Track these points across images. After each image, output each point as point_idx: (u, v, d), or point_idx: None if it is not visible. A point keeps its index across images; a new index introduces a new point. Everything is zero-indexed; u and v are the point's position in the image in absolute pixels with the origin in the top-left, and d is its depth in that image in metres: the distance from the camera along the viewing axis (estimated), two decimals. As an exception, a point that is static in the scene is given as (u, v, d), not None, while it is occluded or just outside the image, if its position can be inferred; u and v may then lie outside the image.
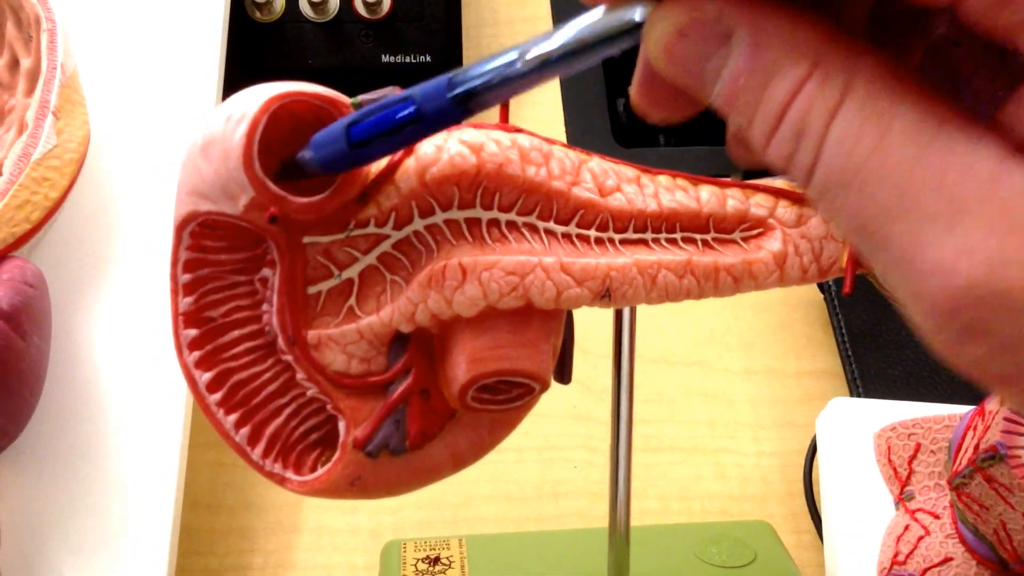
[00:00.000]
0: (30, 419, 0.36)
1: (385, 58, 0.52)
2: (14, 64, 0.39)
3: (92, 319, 0.38)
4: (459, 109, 0.18)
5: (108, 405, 0.37)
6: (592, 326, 0.48)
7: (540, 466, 0.45)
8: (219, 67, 0.43)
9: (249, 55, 0.52)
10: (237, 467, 0.44)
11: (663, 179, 0.24)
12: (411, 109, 0.19)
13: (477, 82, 0.18)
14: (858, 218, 0.14)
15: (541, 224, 0.23)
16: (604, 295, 0.23)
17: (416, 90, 0.19)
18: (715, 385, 0.48)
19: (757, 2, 0.15)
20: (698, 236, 0.24)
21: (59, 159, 0.37)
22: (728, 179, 0.25)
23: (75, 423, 0.37)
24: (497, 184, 0.22)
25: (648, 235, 0.24)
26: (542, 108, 0.57)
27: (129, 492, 0.36)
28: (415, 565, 0.39)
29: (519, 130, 0.23)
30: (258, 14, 0.52)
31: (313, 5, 0.52)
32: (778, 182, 0.25)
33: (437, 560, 0.39)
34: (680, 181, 0.25)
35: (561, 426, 0.47)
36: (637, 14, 0.16)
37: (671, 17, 0.16)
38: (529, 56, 0.18)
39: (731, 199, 0.24)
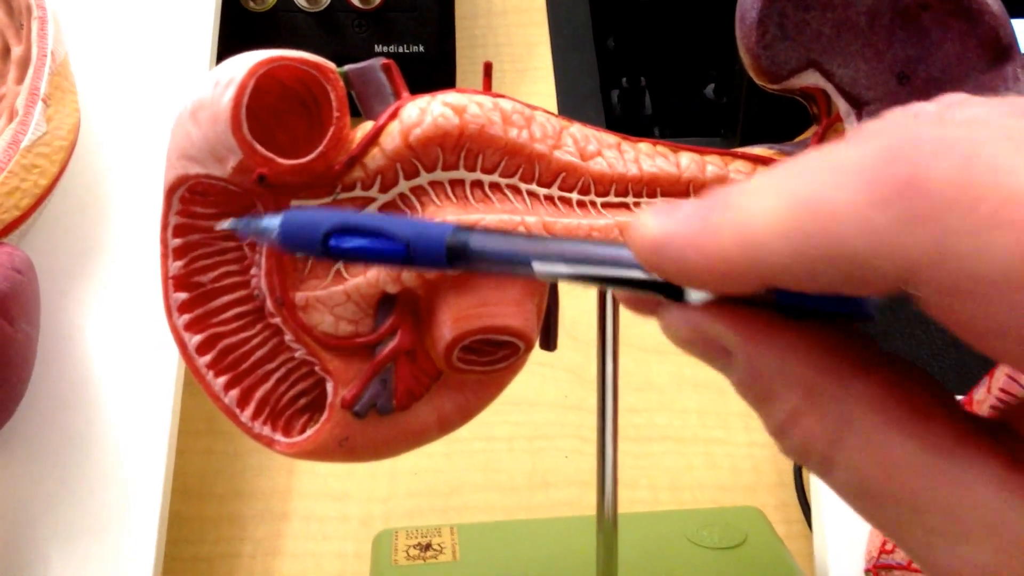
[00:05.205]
0: (18, 407, 0.36)
1: (378, 48, 0.52)
2: (5, 52, 0.39)
3: (81, 307, 0.38)
4: (448, 264, 0.18)
5: (97, 393, 0.37)
6: (583, 314, 0.48)
7: (531, 455, 0.45)
8: (211, 56, 0.43)
9: (241, 44, 0.51)
10: (227, 455, 0.44)
11: (644, 146, 0.25)
12: (400, 251, 0.18)
13: (480, 252, 0.18)
14: (875, 520, 0.16)
15: (524, 186, 0.24)
16: (587, 255, 0.23)
17: (410, 231, 0.18)
18: (707, 374, 0.48)
19: (753, 324, 0.16)
20: (679, 201, 0.25)
21: (48, 146, 0.37)
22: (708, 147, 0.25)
23: (64, 411, 0.37)
24: (480, 145, 0.23)
25: (629, 199, 0.24)
26: (536, 99, 0.57)
27: (118, 480, 0.36)
28: (407, 551, 0.39)
29: (501, 96, 0.23)
30: (251, 3, 0.52)
31: (306, -6, 0.52)
32: (757, 149, 0.26)
33: (428, 546, 0.39)
34: (660, 148, 0.25)
35: (552, 415, 0.47)
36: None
37: (679, 329, 0.17)
38: (541, 269, 0.17)
39: (710, 165, 0.25)
